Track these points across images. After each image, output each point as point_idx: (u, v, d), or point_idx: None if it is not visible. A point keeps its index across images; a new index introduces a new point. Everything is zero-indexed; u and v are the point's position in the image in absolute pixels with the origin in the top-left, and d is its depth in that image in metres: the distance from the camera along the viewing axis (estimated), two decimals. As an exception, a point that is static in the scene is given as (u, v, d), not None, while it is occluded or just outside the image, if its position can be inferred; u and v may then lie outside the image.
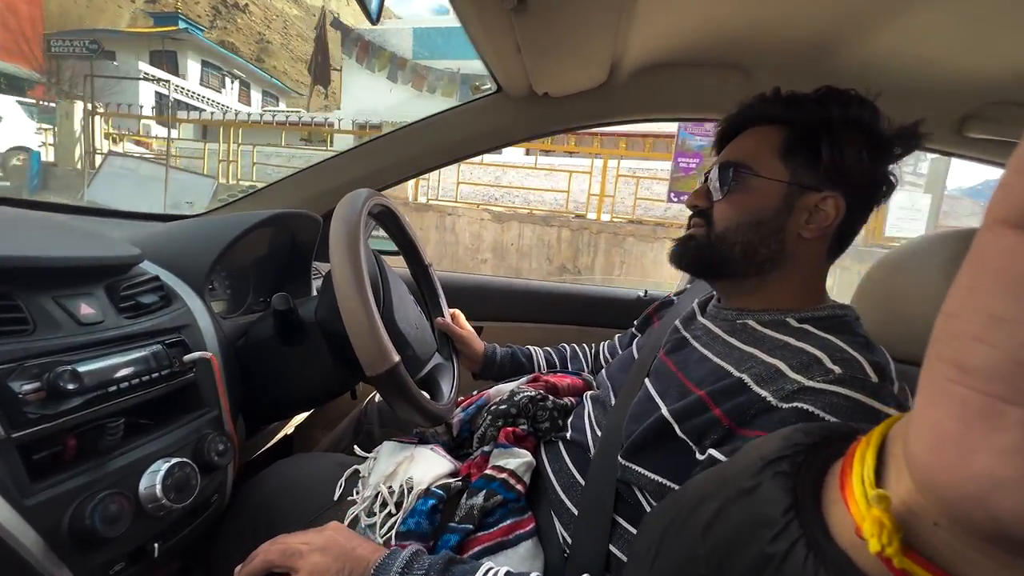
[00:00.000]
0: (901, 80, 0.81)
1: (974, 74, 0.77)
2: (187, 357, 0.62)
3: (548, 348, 1.10)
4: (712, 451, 0.52)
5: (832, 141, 0.59)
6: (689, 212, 0.71)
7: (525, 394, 0.85)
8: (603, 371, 0.84)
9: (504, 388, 0.97)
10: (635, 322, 0.95)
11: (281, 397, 0.81)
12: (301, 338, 0.78)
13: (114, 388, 0.51)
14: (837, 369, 0.49)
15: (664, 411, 0.57)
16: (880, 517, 0.17)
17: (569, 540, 0.63)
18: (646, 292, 1.41)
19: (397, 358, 0.63)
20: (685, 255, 0.69)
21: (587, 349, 1.10)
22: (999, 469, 0.13)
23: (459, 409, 0.89)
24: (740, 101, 0.69)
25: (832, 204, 0.60)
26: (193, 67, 18.69)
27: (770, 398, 0.49)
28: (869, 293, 0.87)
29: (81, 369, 0.48)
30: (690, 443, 0.54)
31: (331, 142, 10.90)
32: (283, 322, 0.75)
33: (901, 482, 0.18)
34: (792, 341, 0.55)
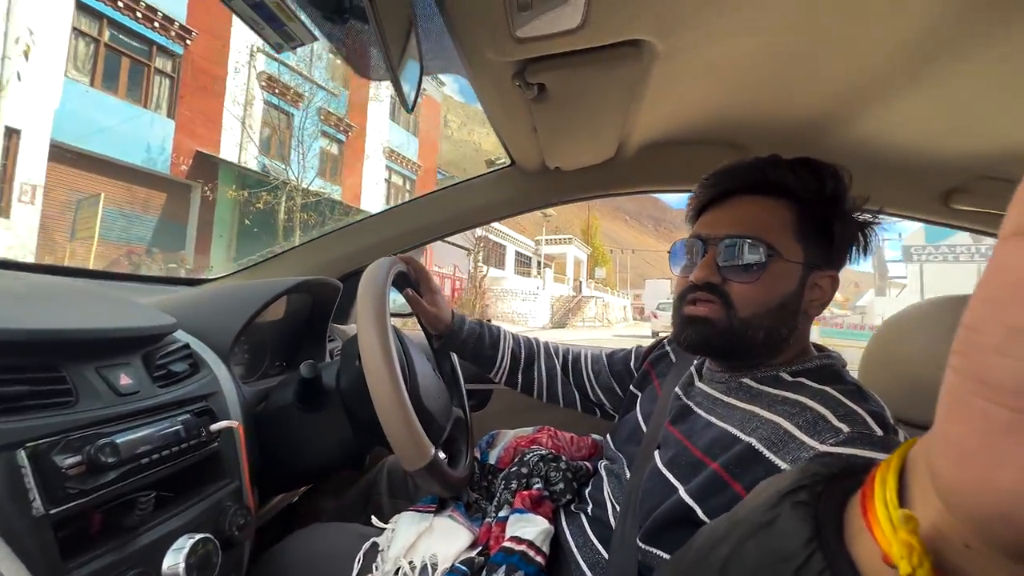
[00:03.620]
0: (889, 157, 0.88)
1: (957, 153, 0.84)
2: (214, 426, 0.62)
3: (520, 339, 0.99)
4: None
5: (841, 221, 0.62)
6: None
7: (535, 453, 0.85)
8: (612, 441, 0.82)
9: (508, 433, 1.00)
10: (633, 368, 0.92)
11: (297, 465, 0.79)
12: (321, 405, 0.78)
13: (147, 460, 0.51)
14: (844, 427, 0.49)
15: (682, 493, 0.56)
16: (908, 539, 0.16)
17: None
18: None
19: (433, 451, 0.63)
20: (702, 341, 0.64)
21: (565, 357, 1.00)
22: None
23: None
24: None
25: (829, 281, 0.63)
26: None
27: (785, 468, 0.49)
28: (875, 356, 0.90)
29: (119, 441, 0.48)
30: None
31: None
32: (306, 389, 0.75)
33: (928, 504, 0.17)
34: (790, 395, 0.55)
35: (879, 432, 0.49)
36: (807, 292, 0.62)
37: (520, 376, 0.98)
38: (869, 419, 0.50)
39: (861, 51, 0.65)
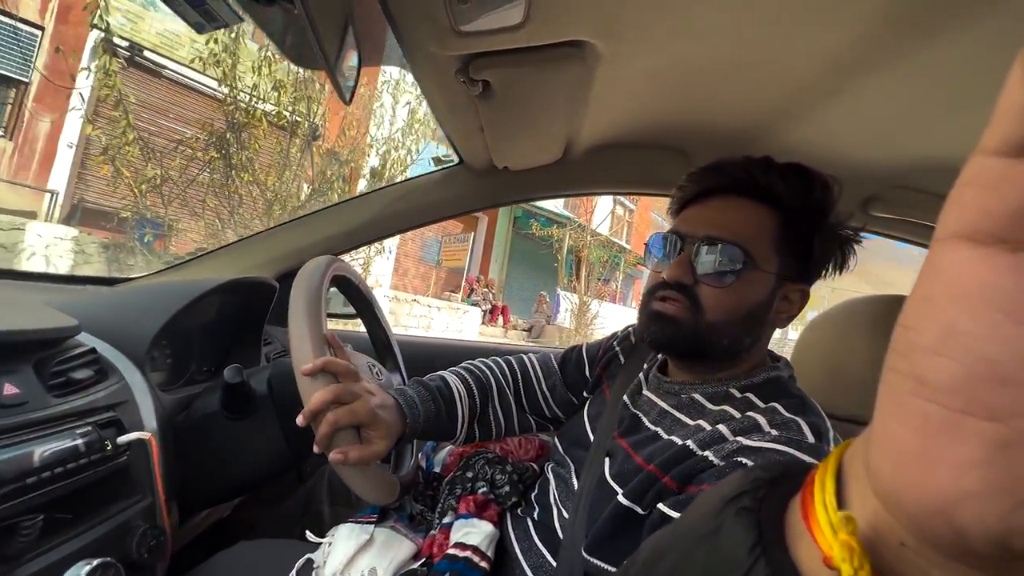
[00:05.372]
0: (815, 165, 0.93)
1: (874, 163, 0.90)
2: (121, 439, 0.56)
3: (471, 385, 0.83)
4: (660, 506, 0.51)
5: (821, 235, 0.61)
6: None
7: (480, 456, 0.83)
8: (559, 443, 0.80)
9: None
10: (588, 375, 0.86)
11: (225, 478, 0.74)
12: (250, 411, 0.73)
13: (33, 479, 0.46)
14: (774, 431, 0.51)
15: (620, 498, 0.56)
16: (848, 541, 0.16)
17: None
18: None
19: None
20: (667, 340, 0.62)
21: (515, 380, 0.88)
22: (962, 483, 0.13)
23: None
24: (688, 173, 0.66)
25: (800, 295, 0.62)
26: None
27: (712, 457, 0.51)
28: (805, 354, 0.95)
29: (-3, 459, 0.42)
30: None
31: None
32: (232, 395, 0.70)
33: (865, 503, 0.17)
34: (737, 413, 0.56)
35: (811, 439, 0.50)
36: (776, 303, 0.61)
37: (477, 432, 0.84)
38: (805, 427, 0.51)
39: (788, 65, 0.68)
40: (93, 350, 0.62)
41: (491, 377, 0.86)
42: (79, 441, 0.51)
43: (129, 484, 0.58)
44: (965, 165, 0.14)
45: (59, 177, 5.58)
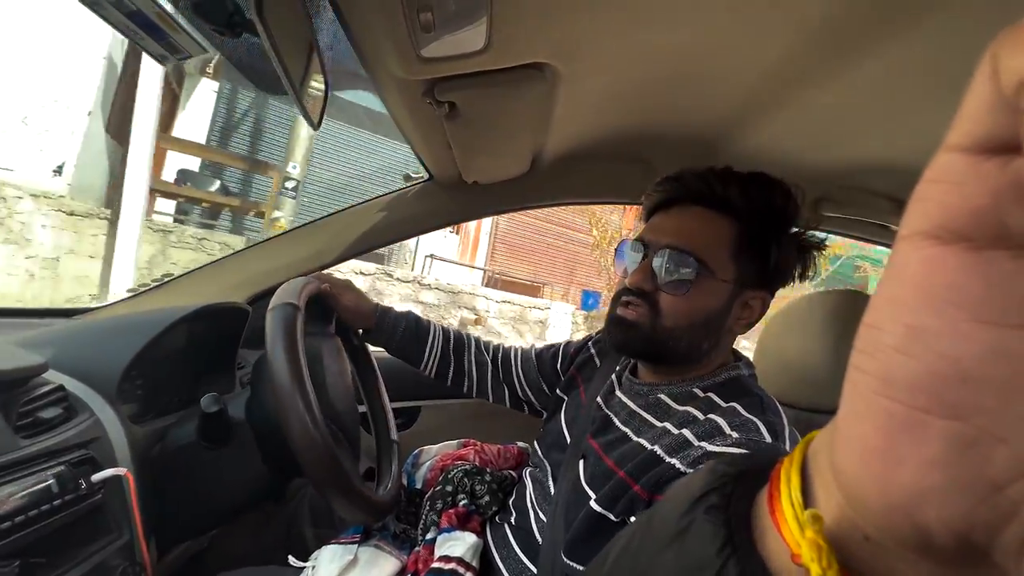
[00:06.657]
0: (770, 169, 0.99)
1: (821, 165, 0.96)
2: (96, 477, 0.55)
3: (449, 332, 0.98)
4: (633, 519, 0.54)
5: (779, 244, 0.63)
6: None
7: (459, 468, 0.84)
8: (538, 446, 0.83)
9: (432, 449, 0.97)
10: (560, 370, 0.92)
11: (204, 509, 0.73)
12: (228, 439, 0.72)
13: (7, 525, 0.45)
14: (735, 434, 0.54)
15: (593, 503, 0.58)
16: (816, 539, 0.16)
17: None
18: None
19: (355, 481, 0.61)
20: (630, 344, 0.65)
21: (495, 353, 0.99)
22: (924, 480, 0.13)
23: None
24: (654, 182, 0.69)
25: (760, 302, 0.65)
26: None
27: (679, 464, 0.54)
28: (766, 347, 1.00)
29: (-32, 507, 0.41)
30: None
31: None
32: (210, 424, 0.70)
33: (831, 498, 0.17)
34: (699, 414, 0.59)
35: (768, 439, 0.53)
36: (735, 310, 0.64)
37: (451, 370, 0.96)
38: (762, 427, 0.54)
39: (735, 78, 0.73)
40: (61, 387, 0.61)
41: (471, 338, 1.00)
42: (51, 482, 0.50)
43: (105, 522, 0.57)
44: (931, 161, 0.13)
45: (480, 256, 8.46)
